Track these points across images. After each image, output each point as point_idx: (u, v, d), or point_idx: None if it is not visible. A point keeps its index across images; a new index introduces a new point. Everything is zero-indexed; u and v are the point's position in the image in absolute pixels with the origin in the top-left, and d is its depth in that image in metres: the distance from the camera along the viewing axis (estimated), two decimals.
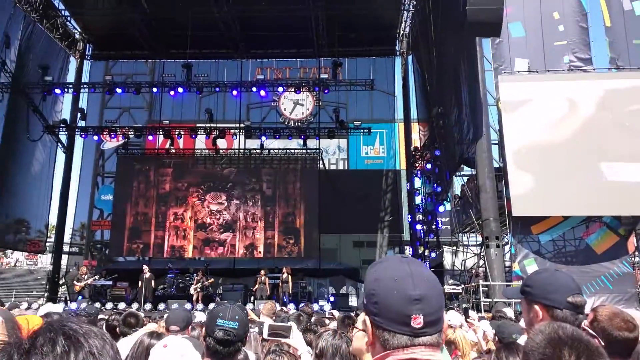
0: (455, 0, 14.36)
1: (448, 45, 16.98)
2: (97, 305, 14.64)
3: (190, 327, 4.04)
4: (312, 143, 22.82)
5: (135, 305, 15.32)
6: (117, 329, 4.69)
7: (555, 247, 13.84)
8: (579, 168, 13.53)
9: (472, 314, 5.35)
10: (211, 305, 14.91)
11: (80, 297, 16.52)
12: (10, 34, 19.03)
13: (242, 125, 21.84)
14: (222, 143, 22.92)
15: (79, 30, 24.02)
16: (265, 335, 2.76)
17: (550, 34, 14.93)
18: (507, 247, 15.01)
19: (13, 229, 20.77)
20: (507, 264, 14.57)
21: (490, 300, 12.22)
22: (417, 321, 1.17)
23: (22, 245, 21.90)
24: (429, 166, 19.69)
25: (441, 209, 19.21)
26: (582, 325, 3.47)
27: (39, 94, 19.79)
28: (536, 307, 1.91)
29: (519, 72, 14.84)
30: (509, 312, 5.94)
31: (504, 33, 14.21)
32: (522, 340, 3.09)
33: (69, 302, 16.78)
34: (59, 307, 6.17)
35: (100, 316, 6.10)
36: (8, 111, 19.32)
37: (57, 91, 20.64)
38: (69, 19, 23.07)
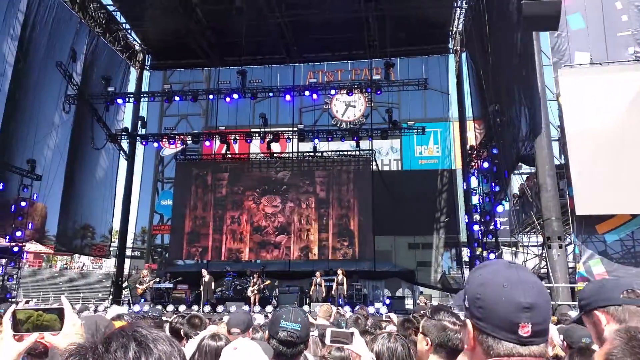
0: None
1: (503, 41, 16.53)
2: (159, 307, 15.21)
3: (251, 329, 4.13)
4: (365, 144, 22.76)
5: (195, 307, 15.75)
6: (182, 331, 4.83)
7: (623, 247, 13.11)
8: None
9: None
10: (268, 308, 15.15)
11: (142, 300, 17.15)
12: (77, 48, 20.13)
13: (295, 128, 22.07)
14: (276, 147, 23.23)
15: (139, 41, 25.05)
16: (328, 342, 2.73)
17: (613, 25, 14.18)
18: (570, 248, 14.40)
19: (80, 234, 21.87)
20: (571, 265, 13.98)
21: (553, 302, 11.78)
22: (526, 329, 1.15)
23: (88, 249, 23.06)
24: (485, 165, 19.18)
25: (499, 208, 18.65)
26: None
27: (102, 104, 20.76)
28: (596, 313, 1.85)
29: (579, 65, 14.22)
30: (574, 314, 5.69)
31: (562, 25, 13.66)
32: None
33: (131, 304, 17.44)
34: (124, 309, 6.44)
35: (163, 318, 6.30)
36: (75, 121, 20.46)
37: (119, 101, 21.56)
38: (129, 31, 24.12)
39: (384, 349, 2.75)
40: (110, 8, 22.35)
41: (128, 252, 24.98)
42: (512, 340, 1.15)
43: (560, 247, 12.54)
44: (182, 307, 15.60)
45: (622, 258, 13.04)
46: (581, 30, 14.50)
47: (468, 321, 1.24)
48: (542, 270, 14.17)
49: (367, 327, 5.41)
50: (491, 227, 18.49)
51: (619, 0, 14.34)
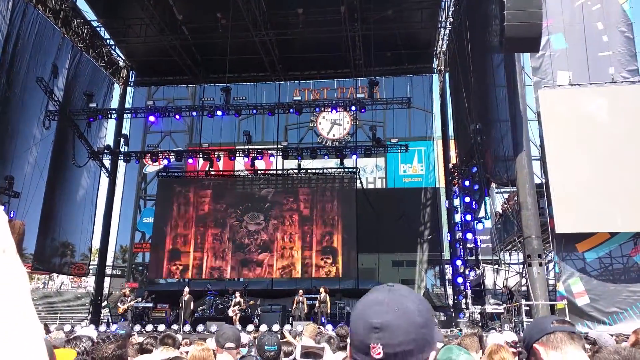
0: (492, 16, 14.21)
1: (486, 61, 16.77)
2: (137, 327, 14.90)
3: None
4: (349, 162, 22.80)
5: (174, 327, 15.47)
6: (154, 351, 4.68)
7: (601, 265, 13.23)
8: (627, 182, 12.95)
9: (495, 336, 5.05)
10: (249, 327, 14.94)
11: (122, 319, 16.80)
12: (59, 63, 19.98)
13: (279, 146, 22.05)
14: (260, 164, 23.18)
15: (123, 57, 24.99)
16: (298, 357, 2.83)
17: (594, 45, 14.45)
18: (550, 266, 14.47)
19: (59, 252, 21.40)
20: (551, 282, 14.03)
21: (532, 320, 11.78)
22: (376, 351, 1.07)
23: (67, 268, 22.46)
24: (467, 183, 19.33)
25: (480, 226, 18.79)
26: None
27: (84, 120, 20.51)
28: (535, 346, 1.89)
29: (559, 85, 14.44)
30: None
31: (545, 45, 13.92)
32: None
33: (111, 324, 17.06)
34: (90, 330, 6.27)
35: (139, 339, 6.12)
36: (56, 138, 20.18)
37: (102, 117, 21.37)
38: (113, 47, 24.06)
39: None
40: (95, 24, 22.30)
41: (108, 271, 24.54)
42: None
43: (540, 264, 12.58)
44: (161, 327, 15.29)
45: (600, 275, 13.16)
46: (563, 50, 14.77)
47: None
48: (523, 288, 14.20)
49: (345, 345, 5.31)
50: (472, 245, 18.55)
51: (600, 21, 14.64)
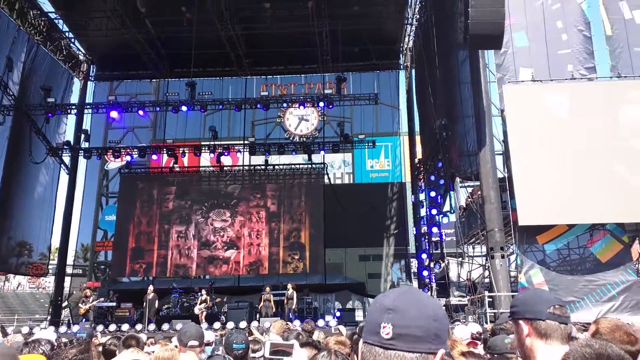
0: (458, 14, 14.39)
1: (451, 57, 16.99)
2: (100, 327, 14.53)
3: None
4: (317, 158, 22.78)
5: (139, 326, 15.16)
6: (117, 352, 4.54)
7: (560, 256, 13.64)
8: (584, 175, 13.36)
9: (461, 328, 5.13)
10: (216, 324, 14.78)
11: (84, 320, 16.35)
12: (13, 56, 19.22)
13: (246, 141, 21.82)
14: (227, 160, 22.92)
15: (83, 51, 24.26)
16: (267, 355, 2.74)
17: (554, 43, 14.81)
18: (512, 258, 14.82)
19: (15, 252, 20.66)
20: (513, 274, 14.37)
21: (495, 311, 12.04)
22: (386, 330, 1.12)
23: (24, 268, 21.67)
24: (432, 178, 19.59)
25: (445, 220, 19.07)
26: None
27: (41, 116, 19.83)
28: (521, 322, 1.89)
29: (523, 81, 14.75)
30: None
31: (508, 43, 14.17)
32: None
33: (72, 325, 16.59)
34: (49, 333, 6.05)
35: (102, 339, 5.95)
36: (11, 134, 19.43)
37: (61, 113, 20.69)
38: (73, 40, 23.33)
39: None
40: (53, 16, 21.55)
41: (69, 270, 23.84)
42: (375, 343, 1.14)
43: (503, 257, 12.88)
44: (125, 327, 14.96)
45: (558, 266, 13.57)
46: (525, 47, 15.07)
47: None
48: (486, 280, 14.49)
49: (310, 341, 5.27)
50: (437, 239, 18.83)
51: (560, 20, 15.00)
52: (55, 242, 23.26)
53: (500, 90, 14.78)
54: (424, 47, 19.62)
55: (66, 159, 22.43)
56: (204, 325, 15.13)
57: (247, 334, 4.22)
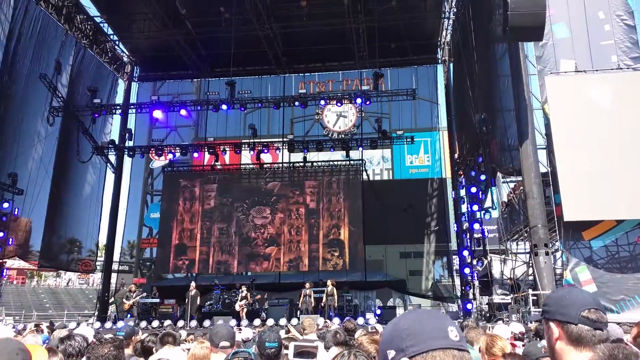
0: (496, 6, 14.04)
1: (490, 50, 16.62)
2: (144, 323, 14.93)
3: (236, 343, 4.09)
4: (355, 155, 22.71)
5: (181, 323, 15.43)
6: (154, 349, 4.67)
7: (608, 253, 13.14)
8: (633, 168, 12.82)
9: (501, 327, 5.02)
10: (256, 321, 14.95)
11: (129, 315, 16.81)
12: (62, 60, 20.00)
13: (285, 139, 21.99)
14: (266, 158, 23.15)
15: (127, 53, 24.99)
16: (291, 357, 2.74)
17: (596, 34, 14.32)
18: (557, 254, 14.37)
19: (66, 249, 21.45)
20: (558, 271, 13.94)
21: (540, 310, 11.70)
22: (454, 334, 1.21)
23: (74, 265, 22.50)
24: (473, 173, 19.19)
25: (487, 216, 18.65)
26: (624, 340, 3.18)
27: (88, 116, 20.52)
28: (552, 324, 1.76)
29: (565, 72, 14.28)
30: None
31: (548, 34, 13.76)
32: None
33: (117, 320, 17.09)
34: (87, 330, 6.28)
35: (142, 336, 6.12)
36: (60, 134, 20.21)
37: (106, 113, 21.39)
38: (117, 43, 24.07)
39: None
40: (98, 20, 22.31)
41: (115, 267, 24.58)
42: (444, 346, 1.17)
43: (547, 254, 12.51)
44: (167, 322, 15.28)
45: (607, 264, 13.07)
46: (566, 39, 14.61)
47: None
48: (530, 278, 14.12)
49: (345, 340, 5.27)
50: (479, 235, 18.46)
51: (602, 10, 14.46)
52: (103, 239, 24.10)
53: (541, 82, 14.37)
54: (462, 40, 19.25)
55: (112, 158, 23.15)
56: (244, 322, 15.37)
57: (281, 333, 4.07)
